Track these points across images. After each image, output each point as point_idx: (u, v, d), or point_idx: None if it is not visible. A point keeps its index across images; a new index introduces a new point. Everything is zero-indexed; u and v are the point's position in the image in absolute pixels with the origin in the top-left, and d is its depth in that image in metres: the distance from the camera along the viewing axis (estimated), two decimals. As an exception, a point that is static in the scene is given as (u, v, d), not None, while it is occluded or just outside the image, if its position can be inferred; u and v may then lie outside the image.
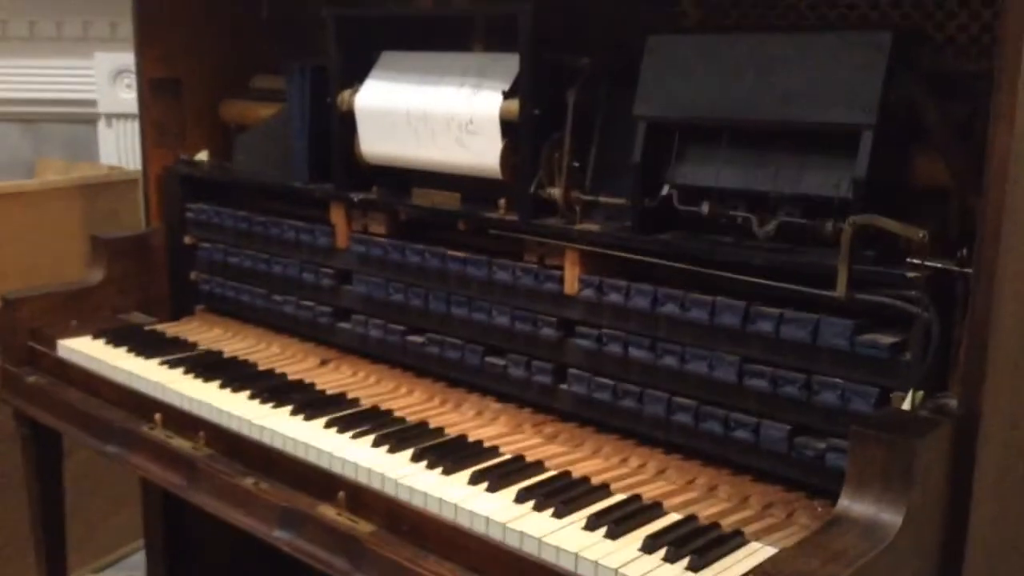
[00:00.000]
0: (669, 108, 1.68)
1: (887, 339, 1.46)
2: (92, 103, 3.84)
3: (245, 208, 2.45)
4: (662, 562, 1.39)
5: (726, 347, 1.62)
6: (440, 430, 1.85)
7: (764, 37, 1.62)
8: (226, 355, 2.29)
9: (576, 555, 1.41)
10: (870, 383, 1.48)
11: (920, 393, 1.40)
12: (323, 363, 2.24)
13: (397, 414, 1.93)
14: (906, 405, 1.40)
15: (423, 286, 2.04)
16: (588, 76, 1.82)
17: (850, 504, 1.29)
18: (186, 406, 2.03)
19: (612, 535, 1.46)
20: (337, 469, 1.73)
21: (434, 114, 1.98)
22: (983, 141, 1.32)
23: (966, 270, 1.37)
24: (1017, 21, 1.27)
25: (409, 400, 2.03)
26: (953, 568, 1.38)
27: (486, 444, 1.79)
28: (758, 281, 1.57)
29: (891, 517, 1.26)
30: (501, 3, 1.94)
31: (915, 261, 1.42)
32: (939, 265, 1.41)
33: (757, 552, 1.42)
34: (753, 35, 1.65)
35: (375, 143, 2.12)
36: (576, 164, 1.83)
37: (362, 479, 1.69)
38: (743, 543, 1.45)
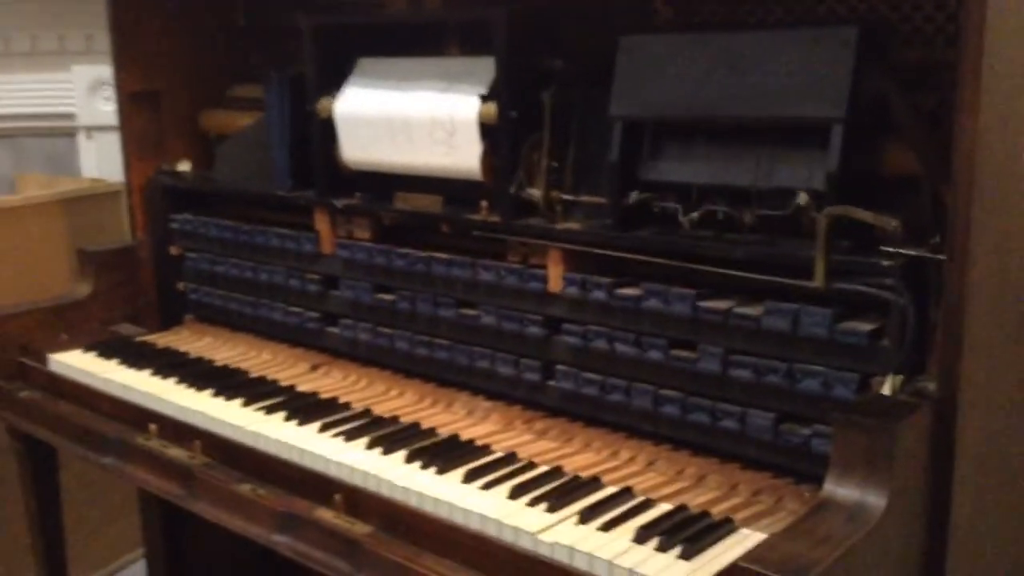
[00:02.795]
0: (644, 107, 1.72)
1: (865, 326, 1.50)
2: (71, 116, 3.84)
3: (229, 217, 2.47)
4: (655, 551, 1.43)
5: (709, 339, 1.65)
6: (432, 430, 1.89)
7: (734, 35, 1.65)
8: (217, 363, 2.31)
9: (570, 548, 1.45)
10: (850, 369, 1.51)
11: (899, 378, 1.44)
12: (314, 368, 2.27)
13: (389, 416, 1.96)
14: (886, 390, 1.44)
15: (409, 289, 2.07)
16: (564, 77, 1.85)
17: (835, 489, 1.33)
18: (180, 415, 2.05)
19: (605, 527, 1.50)
20: (333, 472, 1.76)
21: (413, 119, 2.01)
22: (951, 130, 1.36)
23: (939, 256, 1.41)
24: (979, 11, 1.30)
25: (400, 402, 2.06)
26: (938, 549, 1.42)
27: (478, 443, 1.82)
28: (738, 274, 1.60)
29: (875, 500, 1.29)
30: (475, 8, 1.96)
31: (889, 249, 1.46)
32: (913, 253, 1.45)
33: (747, 539, 1.46)
34: (723, 33, 1.68)
35: (356, 149, 2.14)
36: (555, 164, 1.86)
37: (358, 482, 1.72)
38: (733, 530, 1.49)
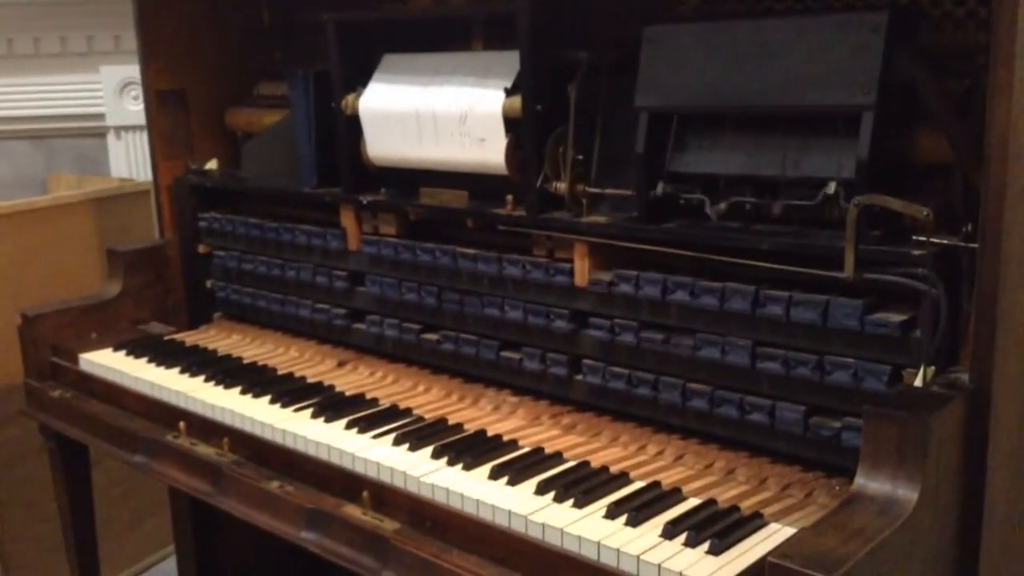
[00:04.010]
0: (670, 97, 1.70)
1: (897, 317, 1.48)
2: (100, 116, 3.87)
3: (256, 214, 2.47)
4: (683, 547, 1.41)
5: (738, 332, 1.63)
6: (459, 426, 1.88)
7: (761, 22, 1.62)
8: (245, 361, 2.32)
9: (598, 543, 1.43)
10: (881, 361, 1.49)
11: (931, 369, 1.42)
12: (341, 364, 2.27)
13: (416, 412, 1.95)
14: (918, 382, 1.42)
15: (435, 284, 2.06)
16: (588, 70, 1.84)
17: (866, 482, 1.31)
18: (209, 413, 2.05)
19: (633, 522, 1.48)
20: (360, 469, 1.76)
21: (438, 114, 2.00)
22: (983, 115, 1.33)
23: (971, 245, 1.38)
24: (1012, -6, 1.27)
25: (427, 398, 2.05)
26: (971, 541, 1.39)
27: (505, 438, 1.81)
28: (766, 265, 1.58)
29: (907, 493, 1.27)
30: (499, 1, 1.95)
31: (921, 238, 1.43)
32: (945, 241, 1.42)
33: (776, 533, 1.44)
34: (750, 21, 1.66)
35: (381, 145, 2.14)
36: (580, 157, 1.85)
37: (385, 478, 1.71)
38: (762, 525, 1.47)
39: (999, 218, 1.32)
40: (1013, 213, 1.33)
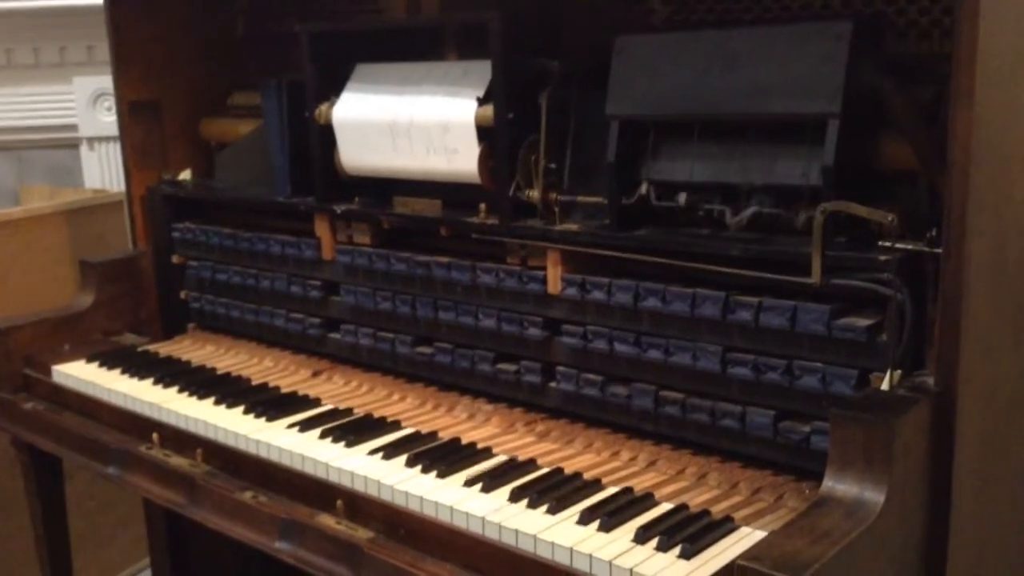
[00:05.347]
0: (640, 106, 1.71)
1: (863, 322, 1.49)
2: (73, 128, 3.86)
3: (230, 224, 2.47)
4: (654, 551, 1.42)
5: (708, 338, 1.65)
6: (433, 434, 1.88)
7: (729, 32, 1.64)
8: (219, 371, 2.31)
9: (571, 549, 1.44)
10: (849, 365, 1.51)
11: (898, 373, 1.44)
12: (315, 374, 2.27)
13: (391, 421, 1.96)
14: (884, 385, 1.44)
15: (410, 293, 2.07)
16: (560, 79, 1.85)
17: (834, 485, 1.32)
18: (183, 424, 2.05)
19: (605, 528, 1.49)
20: (334, 479, 1.76)
21: (411, 123, 2.01)
22: (947, 122, 1.35)
23: (936, 250, 1.40)
24: (973, 1, 1.29)
25: (402, 406, 2.06)
26: (938, 543, 1.41)
27: (479, 446, 1.82)
28: (736, 272, 1.60)
29: (874, 495, 1.29)
30: (471, 12, 1.96)
31: (886, 244, 1.45)
32: (909, 247, 1.44)
33: (747, 537, 1.45)
34: (718, 31, 1.68)
35: (354, 155, 2.14)
36: (553, 165, 1.86)
37: (359, 487, 1.72)
38: (733, 528, 1.48)
39: (962, 223, 1.34)
40: (976, 218, 1.35)
